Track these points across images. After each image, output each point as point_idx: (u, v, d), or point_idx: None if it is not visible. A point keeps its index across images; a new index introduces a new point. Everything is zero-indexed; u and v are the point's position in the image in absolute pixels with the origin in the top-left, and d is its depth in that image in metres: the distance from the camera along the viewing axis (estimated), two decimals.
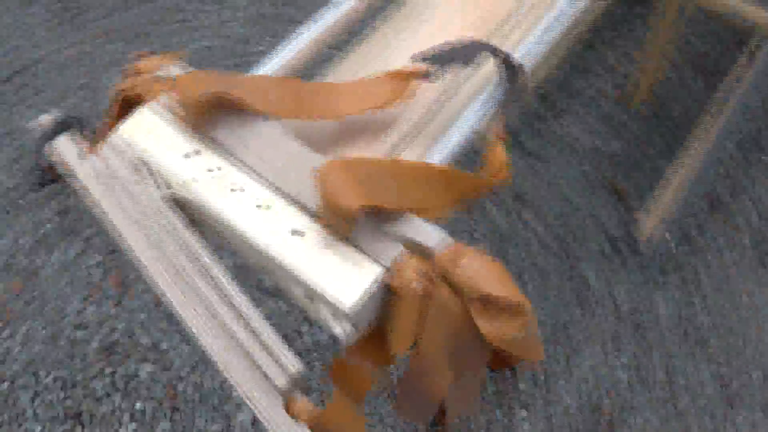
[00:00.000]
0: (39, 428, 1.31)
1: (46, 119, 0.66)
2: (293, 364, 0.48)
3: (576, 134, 1.50)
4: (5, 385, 1.37)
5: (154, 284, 0.53)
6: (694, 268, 1.34)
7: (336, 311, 0.48)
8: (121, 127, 0.60)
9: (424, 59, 0.58)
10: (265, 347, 0.48)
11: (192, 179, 0.55)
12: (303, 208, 0.52)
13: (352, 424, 0.50)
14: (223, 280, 0.52)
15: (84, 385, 1.34)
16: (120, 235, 0.56)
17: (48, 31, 2.04)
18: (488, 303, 0.46)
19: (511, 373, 1.25)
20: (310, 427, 0.46)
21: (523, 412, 1.24)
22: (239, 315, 0.50)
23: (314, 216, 0.51)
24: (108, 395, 1.32)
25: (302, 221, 0.51)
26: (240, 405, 1.27)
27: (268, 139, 0.55)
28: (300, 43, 0.64)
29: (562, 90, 1.56)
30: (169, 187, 0.56)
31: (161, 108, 0.60)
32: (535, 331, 0.51)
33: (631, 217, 1.39)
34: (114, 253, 1.51)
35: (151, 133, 0.58)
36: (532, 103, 1.54)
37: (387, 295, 0.50)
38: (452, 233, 1.41)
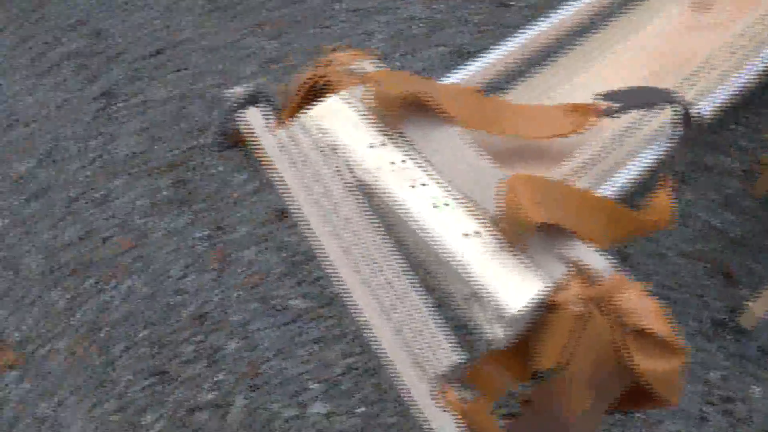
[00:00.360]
0: (126, 378, 1.38)
1: (240, 90, 0.72)
2: (454, 354, 0.50)
3: (695, 209, 1.48)
4: (103, 332, 1.45)
5: (326, 258, 0.57)
6: None
7: (497, 315, 0.50)
8: (312, 110, 0.64)
9: (606, 98, 0.60)
10: (430, 334, 0.50)
11: (375, 167, 0.58)
12: (477, 212, 0.54)
13: (489, 423, 0.52)
14: (397, 262, 0.54)
15: (173, 346, 1.40)
16: (298, 207, 0.60)
17: (198, 17, 2.18)
18: (644, 338, 0.47)
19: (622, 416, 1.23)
20: (462, 418, 0.48)
21: None
22: (408, 297, 0.52)
23: (489, 222, 0.53)
24: (193, 361, 1.38)
25: (476, 225, 0.54)
26: (316, 398, 1.30)
27: (452, 143, 0.58)
28: (489, 60, 0.67)
29: (690, 162, 1.55)
30: (351, 171, 0.60)
31: (352, 98, 0.64)
32: (683, 378, 0.51)
33: (738, 303, 1.35)
34: (221, 229, 1.59)
35: (340, 120, 0.62)
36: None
37: (542, 312, 0.51)
38: None
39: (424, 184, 0.56)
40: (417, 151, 0.59)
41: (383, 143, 0.60)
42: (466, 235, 0.53)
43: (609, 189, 0.59)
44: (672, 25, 0.72)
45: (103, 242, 1.59)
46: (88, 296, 1.51)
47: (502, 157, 0.61)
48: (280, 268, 1.49)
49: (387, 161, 0.59)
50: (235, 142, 0.72)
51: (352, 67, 0.68)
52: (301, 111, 0.65)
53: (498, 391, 0.54)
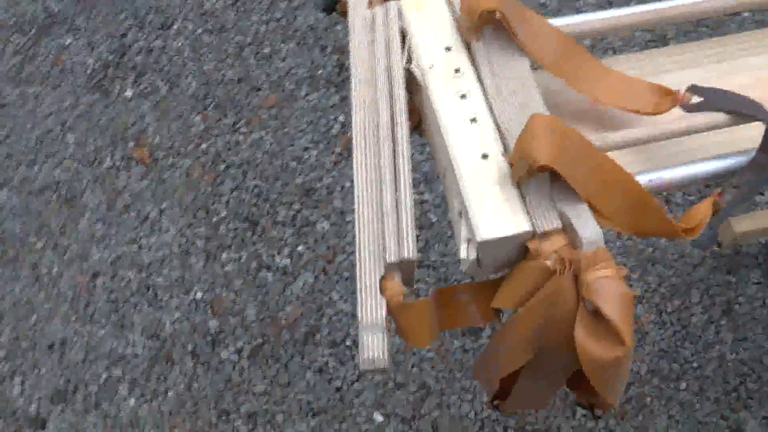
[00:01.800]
0: (224, 214, 1.49)
1: None
2: (412, 249, 0.50)
3: None
4: (222, 166, 1.57)
5: (352, 128, 0.58)
6: None
7: (472, 236, 0.50)
8: None
9: (693, 91, 0.56)
10: (399, 223, 0.51)
11: (433, 67, 0.59)
12: (503, 139, 0.54)
13: (421, 332, 0.52)
14: (404, 151, 0.55)
15: (272, 205, 1.49)
16: (352, 79, 0.61)
17: None
18: (597, 321, 0.45)
19: (592, 417, 1.20)
20: (388, 306, 0.49)
21: None
22: (395, 185, 0.54)
23: (506, 151, 0.53)
24: (285, 224, 1.46)
25: (494, 149, 0.53)
26: None
27: (518, 73, 0.57)
28: (608, 14, 0.64)
29: None
30: (409, 62, 0.60)
31: None
32: (624, 379, 0.49)
33: None
34: None
35: (423, 13, 0.63)
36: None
37: (519, 255, 0.50)
38: (642, 291, 1.32)
39: (468, 96, 0.56)
40: (479, 65, 0.58)
41: (449, 48, 0.60)
42: (485, 156, 0.53)
43: (654, 180, 0.55)
44: None
45: (253, 91, 1.68)
46: (222, 132, 1.62)
47: (561, 110, 0.59)
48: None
49: (451, 67, 0.59)
50: (334, 7, 0.73)
51: None
52: None
53: (454, 323, 0.54)
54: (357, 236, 0.53)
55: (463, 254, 0.51)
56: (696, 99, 0.56)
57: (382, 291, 0.50)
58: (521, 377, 0.55)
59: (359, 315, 0.49)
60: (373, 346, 0.48)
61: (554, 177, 0.49)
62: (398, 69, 0.61)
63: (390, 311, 0.50)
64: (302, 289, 1.38)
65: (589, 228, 0.48)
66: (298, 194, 1.50)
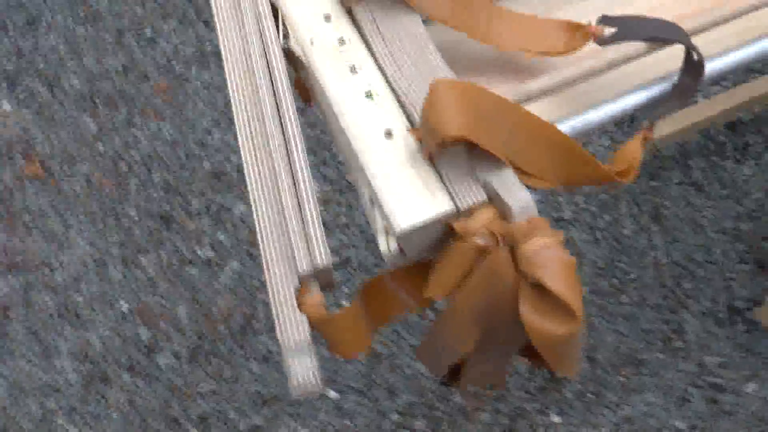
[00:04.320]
0: (134, 216, 1.41)
1: None
2: (324, 255, 0.46)
3: (750, 187, 1.36)
4: (123, 165, 1.47)
5: (236, 128, 0.52)
6: None
7: (389, 226, 0.45)
8: None
9: (606, 22, 0.51)
10: (306, 227, 0.46)
11: (313, 41, 0.53)
12: (406, 111, 0.49)
13: (351, 340, 0.47)
14: (298, 146, 0.50)
15: (184, 196, 1.41)
16: (227, 73, 0.54)
17: None
18: (542, 294, 0.41)
19: (552, 378, 1.20)
20: (310, 321, 0.44)
21: (556, 418, 1.20)
22: (295, 185, 0.49)
23: (411, 125, 0.48)
24: (200, 215, 1.39)
25: (398, 124, 0.48)
26: None
27: (409, 32, 0.52)
28: None
29: (761, 135, 1.41)
30: (286, 36, 0.55)
31: None
32: (578, 347, 0.46)
33: (763, 297, 1.27)
34: None
35: None
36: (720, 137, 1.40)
37: (447, 235, 0.46)
38: (572, 213, 1.32)
39: (360, 69, 0.51)
40: (366, 32, 0.53)
41: (328, 17, 0.54)
42: (389, 133, 0.48)
43: (578, 124, 0.51)
44: None
45: (142, 79, 1.58)
46: (116, 129, 1.52)
47: (461, 61, 0.54)
48: (306, 143, 1.45)
49: (335, 38, 0.53)
50: None
51: None
52: None
53: (386, 316, 0.50)
54: (262, 249, 0.47)
55: (383, 247, 0.46)
56: (609, 30, 0.51)
57: (299, 306, 0.44)
58: (470, 357, 0.51)
59: (279, 336, 0.44)
60: (302, 371, 0.43)
61: (470, 144, 0.44)
62: (276, 50, 0.54)
63: (312, 326, 0.45)
64: (231, 279, 1.32)
65: (518, 195, 0.43)
66: (208, 180, 1.42)
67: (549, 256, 0.40)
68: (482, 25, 0.51)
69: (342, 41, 0.53)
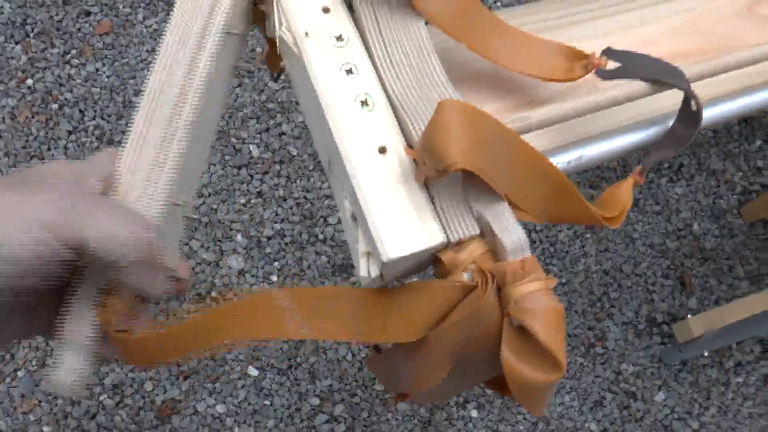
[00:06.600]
0: (62, 157, 1.31)
1: None
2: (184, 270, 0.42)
3: (682, 206, 1.41)
4: (55, 105, 1.37)
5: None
6: (707, 394, 1.28)
7: (374, 252, 0.42)
8: None
9: (609, 55, 0.50)
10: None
11: (308, 34, 0.49)
12: (401, 126, 0.45)
13: (148, 359, 0.41)
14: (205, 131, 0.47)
15: (118, 146, 1.33)
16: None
17: None
18: (525, 339, 0.39)
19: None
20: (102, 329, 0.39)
21: (474, 413, 1.22)
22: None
23: (406, 141, 0.45)
24: None
25: (394, 140, 0.44)
26: (236, 250, 1.26)
27: (412, 36, 0.48)
28: None
29: (694, 158, 1.46)
30: (280, 24, 0.50)
31: None
32: (553, 391, 0.44)
33: (681, 313, 1.32)
34: None
35: None
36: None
37: (430, 262, 0.44)
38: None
39: (355, 71, 0.47)
40: (366, 30, 0.49)
41: (326, 10, 0.50)
42: (383, 150, 0.44)
43: (571, 159, 0.50)
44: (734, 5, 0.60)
45: (83, 15, 1.47)
46: (49, 64, 1.41)
47: (457, 75, 0.51)
48: (250, 108, 1.40)
49: (332, 34, 0.49)
50: None
51: None
52: None
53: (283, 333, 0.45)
54: None
55: (363, 272, 0.42)
56: (612, 64, 0.49)
57: (103, 305, 0.39)
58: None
59: (66, 326, 0.38)
60: (71, 371, 0.38)
61: (467, 171, 0.40)
62: (215, 35, 0.48)
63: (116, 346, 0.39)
64: None
65: (513, 233, 0.40)
66: None
67: (539, 302, 0.38)
68: (483, 39, 0.48)
69: (339, 38, 0.48)
